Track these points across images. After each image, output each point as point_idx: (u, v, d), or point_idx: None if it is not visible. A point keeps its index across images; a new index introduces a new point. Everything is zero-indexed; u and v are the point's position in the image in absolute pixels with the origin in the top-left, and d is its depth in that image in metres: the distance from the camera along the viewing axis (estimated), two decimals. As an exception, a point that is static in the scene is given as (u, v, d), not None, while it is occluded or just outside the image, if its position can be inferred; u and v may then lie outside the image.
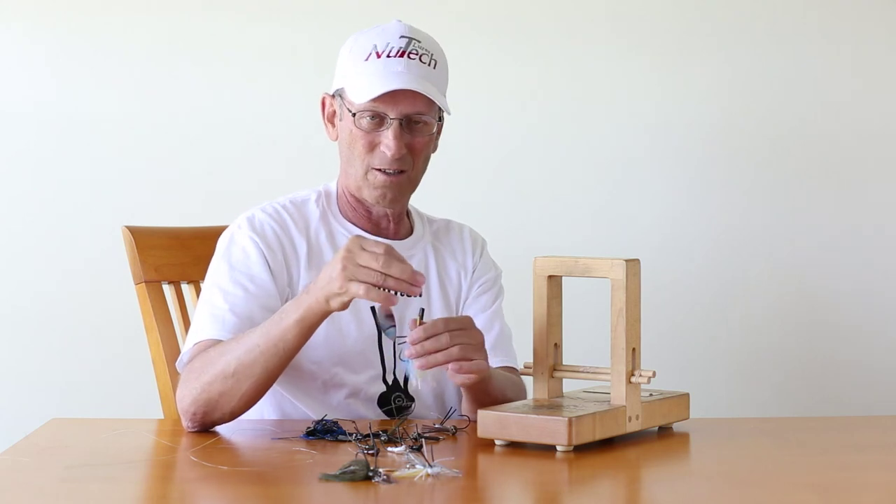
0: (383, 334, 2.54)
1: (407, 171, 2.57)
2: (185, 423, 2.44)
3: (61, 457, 2.27)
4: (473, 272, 2.72)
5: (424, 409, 2.63)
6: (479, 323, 2.65)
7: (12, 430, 3.04)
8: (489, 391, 2.49)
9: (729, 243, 3.51)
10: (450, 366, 2.34)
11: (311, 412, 2.56)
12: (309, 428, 2.37)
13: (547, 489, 2.12)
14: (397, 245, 2.61)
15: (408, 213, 2.71)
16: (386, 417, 2.59)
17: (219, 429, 2.45)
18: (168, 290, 2.83)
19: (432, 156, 2.63)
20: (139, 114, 3.45)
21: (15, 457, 2.26)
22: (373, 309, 2.59)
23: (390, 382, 2.61)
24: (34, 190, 3.44)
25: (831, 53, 3.49)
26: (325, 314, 2.38)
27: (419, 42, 2.57)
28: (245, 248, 2.57)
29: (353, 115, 2.55)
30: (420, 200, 2.77)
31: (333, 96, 2.61)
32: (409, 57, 2.54)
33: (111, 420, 2.60)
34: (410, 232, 2.69)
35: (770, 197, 3.50)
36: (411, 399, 2.62)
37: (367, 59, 2.55)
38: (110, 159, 3.45)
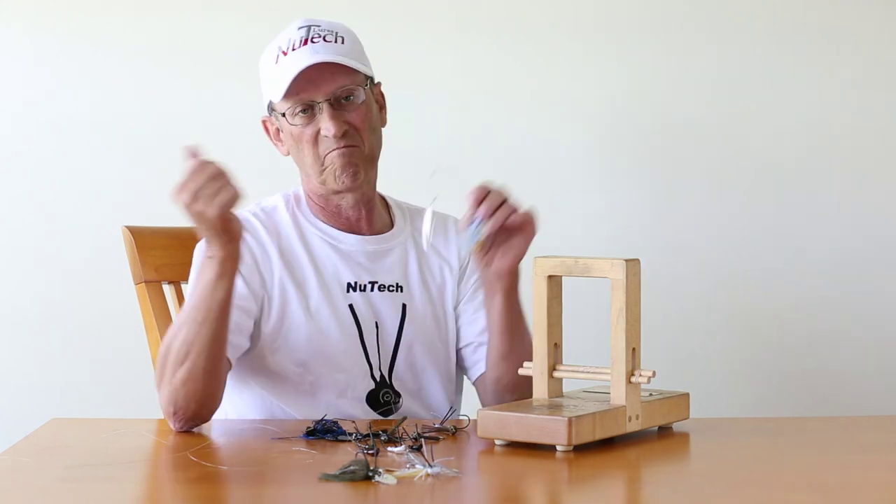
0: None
1: (357, 145, 2.58)
2: (172, 425, 2.45)
3: (61, 457, 2.27)
4: (461, 268, 2.71)
5: (410, 402, 2.62)
6: (477, 321, 2.65)
7: (12, 430, 3.03)
8: (519, 320, 2.54)
9: (729, 243, 3.51)
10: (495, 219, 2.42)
11: (300, 416, 2.57)
12: (309, 428, 2.37)
13: (547, 489, 2.12)
14: (373, 240, 2.64)
15: (388, 208, 2.71)
16: (376, 416, 2.60)
17: (217, 429, 2.45)
18: (168, 290, 2.83)
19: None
20: (139, 114, 3.44)
21: (15, 457, 2.26)
22: (351, 307, 2.59)
23: (378, 379, 2.61)
24: (34, 190, 3.44)
25: (831, 53, 3.49)
26: (223, 258, 2.36)
27: (318, 27, 2.59)
28: None
29: (285, 116, 2.57)
30: (419, 199, 2.76)
31: (270, 115, 2.64)
32: (312, 42, 2.57)
33: (111, 420, 2.60)
34: (390, 226, 2.69)
35: (770, 197, 3.50)
36: (398, 395, 2.62)
37: (276, 63, 2.58)
38: (110, 159, 3.44)
